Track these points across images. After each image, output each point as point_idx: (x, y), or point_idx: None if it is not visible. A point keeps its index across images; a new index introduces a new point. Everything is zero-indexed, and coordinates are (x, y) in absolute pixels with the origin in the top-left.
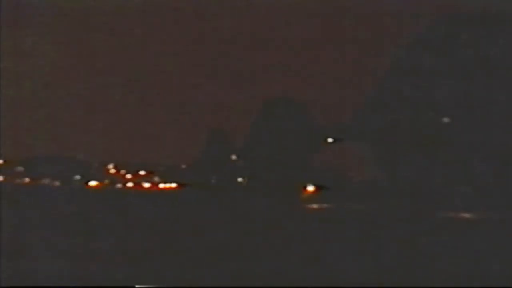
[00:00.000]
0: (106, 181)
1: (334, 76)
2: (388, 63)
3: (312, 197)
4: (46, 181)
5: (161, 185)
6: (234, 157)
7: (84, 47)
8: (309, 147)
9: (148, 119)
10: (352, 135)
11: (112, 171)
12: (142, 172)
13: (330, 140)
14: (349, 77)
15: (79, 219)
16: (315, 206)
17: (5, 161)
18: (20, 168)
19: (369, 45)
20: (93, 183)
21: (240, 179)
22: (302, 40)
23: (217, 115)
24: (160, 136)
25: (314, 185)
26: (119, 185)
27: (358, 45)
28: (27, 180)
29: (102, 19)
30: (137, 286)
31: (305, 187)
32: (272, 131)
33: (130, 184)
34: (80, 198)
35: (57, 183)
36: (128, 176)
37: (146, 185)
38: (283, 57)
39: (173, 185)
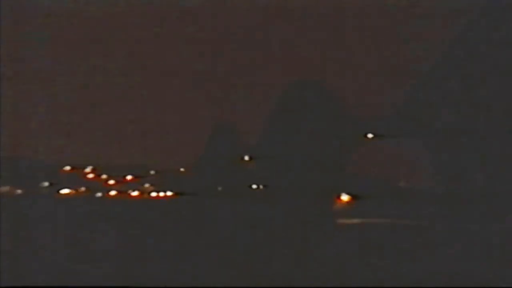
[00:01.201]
0: (82, 189)
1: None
2: (433, 60)
3: (347, 208)
4: (4, 189)
5: (153, 193)
6: (246, 157)
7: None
8: (343, 146)
9: (139, 116)
10: (394, 131)
11: (90, 176)
12: (128, 177)
13: (370, 135)
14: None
15: (44, 233)
16: (350, 220)
17: None
18: None
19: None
20: (65, 191)
21: (254, 186)
22: (310, 39)
23: (223, 110)
24: (153, 134)
25: (349, 194)
26: (98, 194)
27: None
28: None
29: (102, 19)
30: (136, 286)
31: (338, 196)
32: (293, 127)
33: (113, 192)
34: (48, 209)
35: (18, 191)
36: (111, 182)
37: (134, 193)
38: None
39: (169, 193)
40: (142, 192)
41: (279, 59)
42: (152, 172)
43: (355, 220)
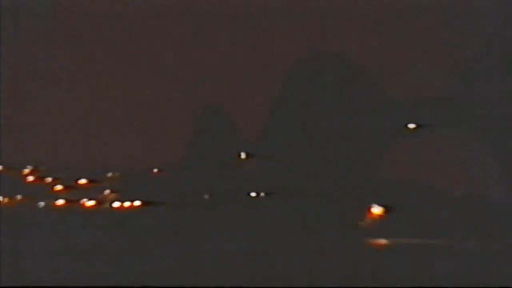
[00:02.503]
0: (19, 197)
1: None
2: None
3: (378, 224)
4: None
5: (115, 203)
6: (243, 155)
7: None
8: (372, 140)
9: (106, 107)
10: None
11: (30, 179)
12: (82, 181)
13: (411, 125)
14: None
15: None
16: (382, 240)
17: None
18: None
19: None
20: None
21: (253, 194)
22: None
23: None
24: (120, 127)
25: (381, 204)
26: (41, 204)
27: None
28: None
29: (102, 19)
30: (136, 286)
31: (368, 208)
32: (306, 118)
33: (60, 201)
34: None
35: None
36: (58, 187)
37: (89, 203)
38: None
39: (136, 202)
40: (100, 202)
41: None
42: (115, 174)
43: (389, 240)
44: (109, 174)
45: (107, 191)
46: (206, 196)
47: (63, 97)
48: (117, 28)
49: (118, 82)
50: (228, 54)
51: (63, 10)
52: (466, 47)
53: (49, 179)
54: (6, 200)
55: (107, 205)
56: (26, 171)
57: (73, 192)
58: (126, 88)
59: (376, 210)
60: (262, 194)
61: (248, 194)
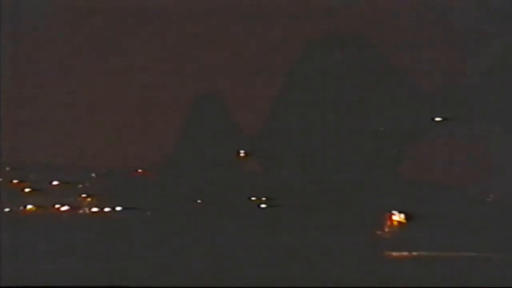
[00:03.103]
0: None
1: None
2: None
3: (399, 234)
4: None
5: (94, 209)
6: (242, 153)
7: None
8: (390, 135)
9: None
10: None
11: None
12: (54, 183)
13: (437, 119)
14: None
15: None
16: (405, 253)
17: None
18: None
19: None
20: None
21: (253, 198)
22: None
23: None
24: (102, 123)
25: (402, 211)
26: (6, 209)
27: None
28: None
29: (102, 19)
30: (134, 286)
31: (389, 215)
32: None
33: (29, 207)
34: None
35: None
36: (27, 190)
37: (63, 208)
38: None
39: (118, 208)
40: (75, 207)
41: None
42: (92, 175)
43: (411, 253)
44: (87, 175)
45: (84, 195)
46: (199, 201)
47: (41, 93)
48: (117, 26)
49: (110, 78)
50: (227, 48)
51: (64, 10)
52: (498, 36)
53: (15, 181)
54: None
55: (83, 210)
56: None
57: (44, 196)
58: (115, 81)
59: (397, 217)
60: (264, 198)
61: (249, 198)
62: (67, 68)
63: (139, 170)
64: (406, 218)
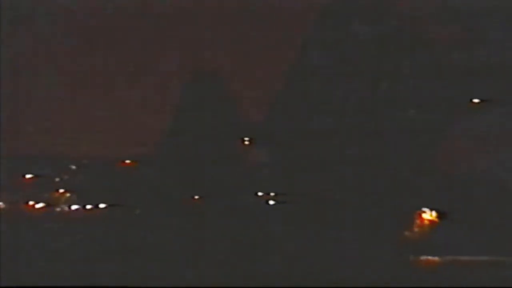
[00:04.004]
0: None
1: None
2: None
3: (429, 233)
4: None
5: (74, 206)
6: (246, 141)
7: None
8: (418, 120)
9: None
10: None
11: None
12: (27, 176)
13: (476, 100)
14: None
15: None
16: (437, 258)
17: None
18: None
19: None
20: None
21: (260, 193)
22: None
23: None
24: (86, 109)
25: (434, 209)
26: None
27: None
28: None
29: (102, 19)
30: (132, 286)
31: (419, 213)
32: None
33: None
34: None
35: None
36: None
37: (38, 205)
38: None
39: (101, 205)
40: (52, 203)
41: None
42: (71, 167)
43: (444, 257)
44: (65, 167)
45: (61, 190)
46: (196, 197)
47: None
48: (116, 24)
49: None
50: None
51: (63, 10)
52: None
53: None
54: None
55: (61, 208)
56: None
57: (16, 191)
58: (110, 61)
59: (428, 215)
60: (272, 193)
61: (255, 193)
62: (58, 64)
63: (126, 161)
64: (439, 216)
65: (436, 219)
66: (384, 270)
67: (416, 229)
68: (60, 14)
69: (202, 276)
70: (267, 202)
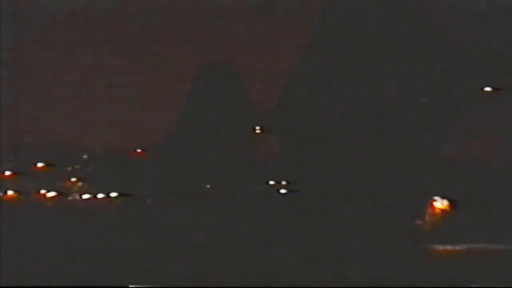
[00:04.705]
0: None
1: None
2: None
3: (442, 222)
4: None
5: (85, 195)
6: (257, 129)
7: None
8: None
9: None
10: None
11: None
12: (39, 165)
13: (488, 89)
14: None
15: None
16: (449, 246)
17: None
18: None
19: None
20: None
21: (271, 182)
22: None
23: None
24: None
25: (446, 197)
26: None
27: None
28: None
29: (102, 18)
30: (130, 286)
31: (431, 202)
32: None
33: (10, 192)
34: None
35: None
36: (7, 173)
37: (49, 194)
38: None
39: (113, 194)
40: (63, 193)
41: None
42: (83, 156)
43: (456, 246)
44: (77, 156)
45: (73, 179)
46: (207, 186)
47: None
48: (116, 24)
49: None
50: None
51: (63, 10)
52: None
53: None
54: None
55: (73, 197)
56: None
57: (26, 180)
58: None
59: (439, 204)
60: (284, 182)
61: (267, 182)
62: (65, 61)
63: (138, 150)
64: (451, 205)
65: (448, 208)
66: (396, 257)
67: (428, 218)
68: (60, 14)
69: (215, 265)
70: (278, 191)
